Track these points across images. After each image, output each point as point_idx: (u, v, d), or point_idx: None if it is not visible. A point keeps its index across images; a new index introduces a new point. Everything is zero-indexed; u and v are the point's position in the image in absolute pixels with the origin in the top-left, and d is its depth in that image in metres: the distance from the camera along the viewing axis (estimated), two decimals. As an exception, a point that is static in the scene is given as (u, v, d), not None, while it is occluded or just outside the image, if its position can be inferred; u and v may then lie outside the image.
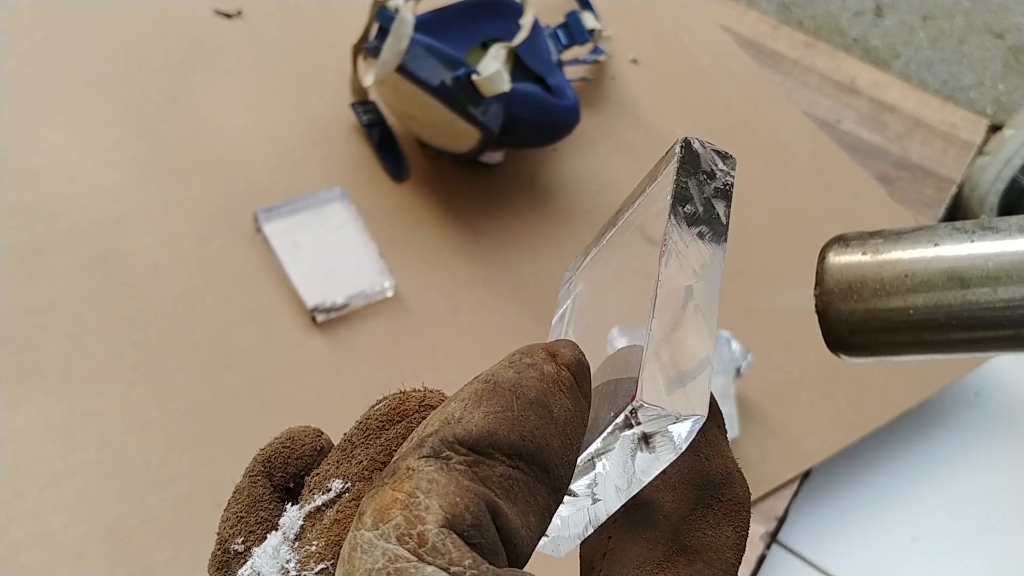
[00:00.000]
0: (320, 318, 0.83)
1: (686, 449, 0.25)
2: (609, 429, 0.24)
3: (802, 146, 1.03)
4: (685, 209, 0.27)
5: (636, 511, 0.27)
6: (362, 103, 0.95)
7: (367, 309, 0.85)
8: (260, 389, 0.80)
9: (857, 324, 0.31)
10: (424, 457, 0.22)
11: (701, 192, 0.27)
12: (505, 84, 0.83)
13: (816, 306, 0.32)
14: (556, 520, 0.26)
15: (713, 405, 0.27)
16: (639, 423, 0.24)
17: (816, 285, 0.32)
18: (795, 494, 0.84)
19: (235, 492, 0.27)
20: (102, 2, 0.99)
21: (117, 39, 0.97)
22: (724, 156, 0.28)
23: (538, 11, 0.95)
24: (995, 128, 1.10)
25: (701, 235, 0.27)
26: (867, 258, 0.31)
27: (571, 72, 0.99)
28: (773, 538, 0.84)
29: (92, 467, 0.75)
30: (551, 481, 0.23)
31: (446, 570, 0.20)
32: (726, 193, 0.28)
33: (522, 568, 0.22)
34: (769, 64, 1.10)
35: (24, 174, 0.87)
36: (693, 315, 0.26)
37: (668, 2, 1.11)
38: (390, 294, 0.85)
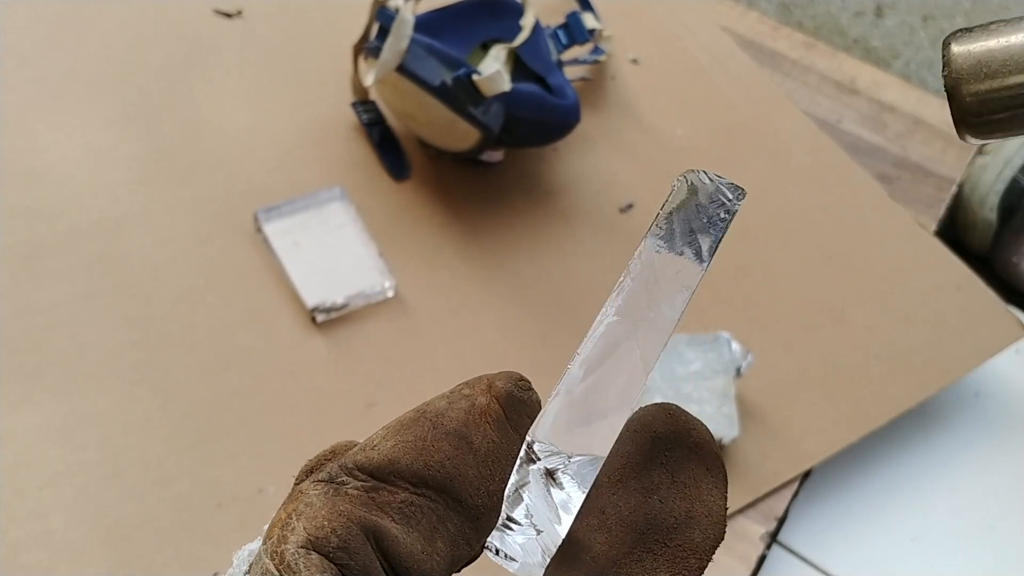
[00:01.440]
0: (320, 318, 0.83)
1: (636, 488, 0.25)
2: (518, 463, 0.25)
3: (802, 146, 1.03)
4: (660, 240, 0.26)
5: (569, 548, 0.26)
6: (362, 102, 0.95)
7: (367, 309, 0.85)
8: (260, 389, 0.80)
9: (984, 102, 0.33)
10: (318, 481, 0.24)
11: (688, 225, 0.27)
12: (505, 84, 0.83)
13: (945, 85, 0.33)
14: (516, 548, 0.26)
15: (705, 446, 0.26)
16: (538, 459, 0.25)
17: (944, 66, 0.34)
18: (795, 494, 0.84)
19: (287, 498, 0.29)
20: (102, 2, 0.99)
21: (117, 39, 0.97)
22: (733, 188, 0.27)
23: (538, 11, 0.95)
24: (995, 128, 1.10)
25: (676, 268, 0.26)
26: (992, 41, 0.33)
27: (571, 72, 0.99)
28: (773, 538, 0.84)
29: (92, 467, 0.75)
30: (464, 510, 0.24)
31: None
32: (716, 224, 0.27)
33: None
34: (769, 64, 1.10)
35: (24, 174, 0.87)
36: (629, 353, 0.25)
37: (668, 2, 1.11)
38: (390, 294, 0.85)
